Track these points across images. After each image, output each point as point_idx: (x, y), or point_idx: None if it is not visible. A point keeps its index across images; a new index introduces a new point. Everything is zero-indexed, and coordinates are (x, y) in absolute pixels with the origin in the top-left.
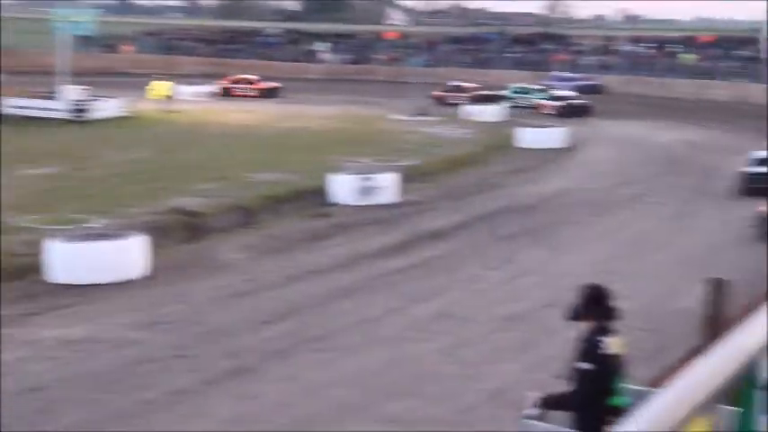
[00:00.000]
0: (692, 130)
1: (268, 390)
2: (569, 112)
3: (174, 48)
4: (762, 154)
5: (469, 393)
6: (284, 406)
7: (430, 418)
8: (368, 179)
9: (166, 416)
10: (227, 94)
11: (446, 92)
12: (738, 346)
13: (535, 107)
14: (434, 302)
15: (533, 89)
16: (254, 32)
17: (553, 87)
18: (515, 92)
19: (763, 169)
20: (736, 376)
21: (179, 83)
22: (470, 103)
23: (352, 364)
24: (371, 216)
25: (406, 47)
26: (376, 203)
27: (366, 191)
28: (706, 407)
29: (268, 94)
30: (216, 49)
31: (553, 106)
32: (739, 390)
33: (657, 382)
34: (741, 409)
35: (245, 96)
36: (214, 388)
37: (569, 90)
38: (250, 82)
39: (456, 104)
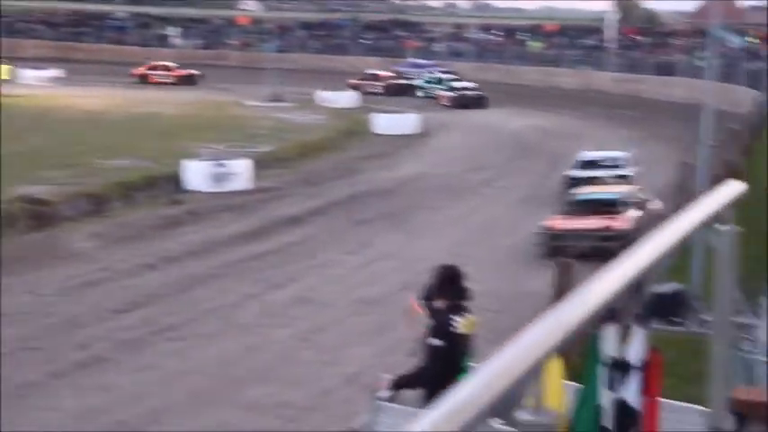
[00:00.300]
0: (541, 116)
1: (122, 381)
2: (463, 104)
3: (18, 31)
4: (589, 155)
5: (326, 378)
6: (139, 397)
7: (287, 403)
8: (222, 165)
9: (12, 411)
10: (144, 81)
11: (362, 80)
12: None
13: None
14: (291, 288)
15: (446, 79)
16: (102, 15)
17: (409, 74)
18: (428, 81)
19: (585, 173)
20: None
21: (21, 67)
22: (384, 92)
23: (208, 352)
24: (226, 203)
25: (258, 32)
26: (230, 190)
27: (220, 177)
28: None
29: (186, 80)
30: (61, 32)
31: (449, 97)
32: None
33: None
34: (583, 385)
35: (164, 83)
36: (64, 380)
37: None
38: (168, 68)
39: (372, 93)
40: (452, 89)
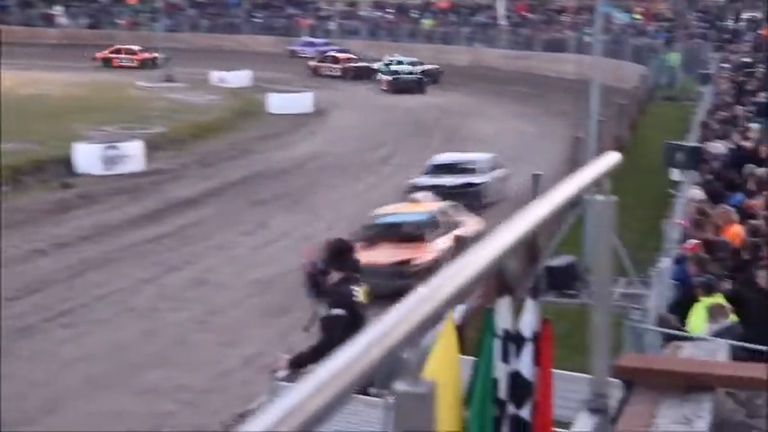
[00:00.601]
0: (436, 93)
1: (16, 369)
2: (400, 89)
3: None
4: (443, 158)
5: (224, 360)
6: (35, 385)
7: (185, 386)
8: (114, 148)
9: None
10: (107, 64)
11: (321, 62)
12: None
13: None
14: (188, 271)
15: (408, 62)
16: None
17: (304, 53)
18: (387, 65)
19: (431, 181)
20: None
21: None
22: (342, 76)
23: (104, 337)
24: (119, 185)
25: (147, 11)
26: (123, 172)
27: (112, 160)
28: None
29: (150, 64)
30: None
31: (387, 81)
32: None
33: None
34: (478, 359)
35: (128, 68)
36: None
37: (315, 55)
38: (133, 52)
39: (329, 76)
40: (393, 73)
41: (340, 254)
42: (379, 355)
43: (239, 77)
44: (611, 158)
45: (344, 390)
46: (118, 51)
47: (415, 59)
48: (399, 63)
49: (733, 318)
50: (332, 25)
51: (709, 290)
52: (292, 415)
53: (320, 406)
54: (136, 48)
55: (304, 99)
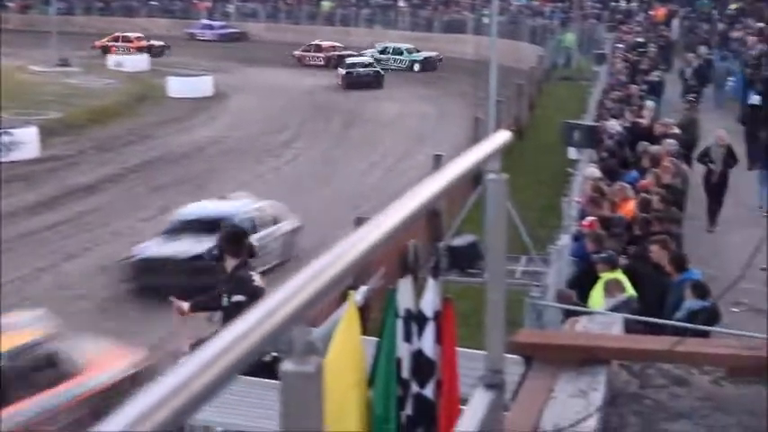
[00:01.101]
0: (334, 75)
1: None
2: (353, 83)
3: None
4: (192, 212)
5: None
6: None
7: None
8: (7, 134)
9: None
10: (106, 52)
11: (305, 51)
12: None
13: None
14: (88, 258)
15: (406, 49)
16: None
17: (203, 36)
18: (383, 52)
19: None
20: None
21: None
22: (325, 65)
23: None
24: (13, 173)
25: None
26: (17, 159)
27: (6, 147)
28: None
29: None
30: None
31: (341, 76)
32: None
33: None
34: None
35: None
36: None
37: (214, 39)
38: (129, 40)
39: (316, 66)
40: (348, 66)
41: (235, 240)
42: (263, 334)
43: (137, 61)
44: (502, 137)
45: (228, 370)
46: (116, 39)
47: (410, 46)
48: (396, 51)
49: (631, 292)
50: (230, 7)
51: (611, 265)
52: (175, 395)
53: (203, 386)
54: (133, 35)
55: (204, 83)
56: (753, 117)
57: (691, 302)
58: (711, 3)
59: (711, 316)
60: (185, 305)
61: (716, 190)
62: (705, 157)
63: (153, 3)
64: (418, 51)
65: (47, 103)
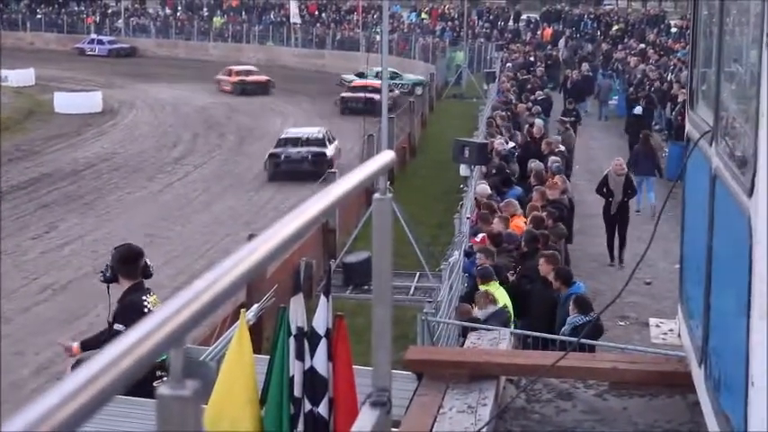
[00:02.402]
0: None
1: None
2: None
3: None
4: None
5: (16, 370)
6: None
7: None
8: None
9: None
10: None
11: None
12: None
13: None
14: None
15: (402, 75)
16: None
17: (93, 52)
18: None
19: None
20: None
21: None
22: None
23: None
24: None
25: None
26: None
27: None
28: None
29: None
30: None
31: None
32: (274, 338)
33: (207, 340)
34: (273, 358)
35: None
36: None
37: (104, 54)
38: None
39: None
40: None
41: (129, 261)
42: (136, 357)
43: (22, 76)
44: (386, 156)
45: (98, 396)
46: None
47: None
48: (398, 76)
49: (503, 303)
50: (119, 23)
51: (487, 278)
52: (52, 415)
53: (76, 410)
54: None
55: (92, 98)
56: (635, 126)
57: (574, 317)
58: (595, 23)
59: (594, 330)
60: (75, 344)
61: (617, 221)
62: (603, 187)
63: (39, 16)
64: (398, 76)
65: None
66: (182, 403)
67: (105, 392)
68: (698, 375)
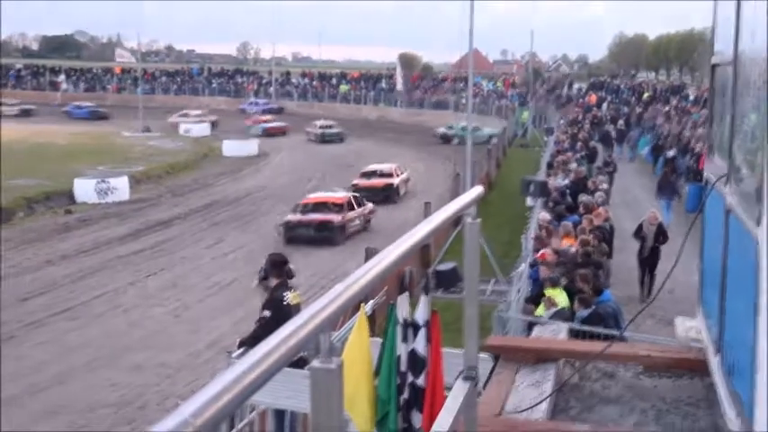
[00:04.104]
0: (352, 141)
1: (30, 352)
2: (324, 139)
3: None
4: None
5: (193, 344)
6: (44, 364)
7: (163, 364)
8: (105, 182)
9: None
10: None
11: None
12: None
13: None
14: (163, 276)
15: (482, 128)
16: (3, 67)
17: (251, 110)
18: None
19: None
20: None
21: None
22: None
23: (98, 328)
24: (109, 211)
25: (130, 79)
26: (112, 201)
27: (104, 191)
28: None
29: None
30: None
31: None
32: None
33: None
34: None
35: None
36: None
37: (259, 113)
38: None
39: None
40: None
41: (278, 264)
42: (300, 336)
43: (200, 128)
44: (477, 190)
45: (274, 364)
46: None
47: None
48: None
49: (563, 305)
50: (271, 90)
51: (553, 284)
52: (235, 384)
53: (255, 378)
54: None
55: (251, 145)
56: (667, 165)
57: (580, 312)
58: (630, 91)
59: (596, 318)
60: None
61: (648, 263)
62: (639, 233)
63: (214, 85)
64: (479, 129)
65: (135, 159)
66: (330, 374)
67: (277, 365)
68: (714, 362)
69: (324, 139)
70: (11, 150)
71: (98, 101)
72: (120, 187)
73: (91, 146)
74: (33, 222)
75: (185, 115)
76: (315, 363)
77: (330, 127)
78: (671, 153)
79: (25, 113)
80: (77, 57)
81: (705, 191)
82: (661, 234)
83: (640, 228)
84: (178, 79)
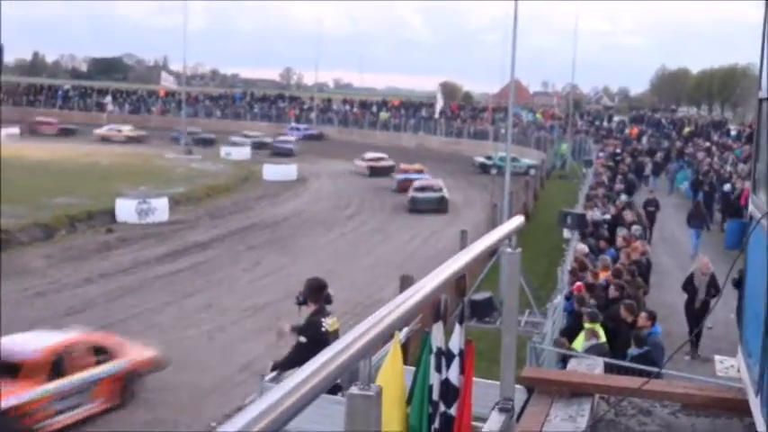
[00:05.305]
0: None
1: None
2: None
3: None
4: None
5: (226, 366)
6: None
7: (196, 385)
8: (146, 203)
9: None
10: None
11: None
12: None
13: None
14: (200, 297)
15: (520, 159)
16: (52, 87)
17: (292, 135)
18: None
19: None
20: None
21: None
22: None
23: None
24: (149, 231)
25: (174, 102)
26: (152, 222)
27: (144, 212)
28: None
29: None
30: (20, 99)
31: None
32: (418, 355)
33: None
34: (418, 369)
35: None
36: None
37: (300, 138)
38: (120, 131)
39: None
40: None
41: (316, 290)
42: (338, 364)
43: (241, 152)
44: (517, 221)
45: (311, 391)
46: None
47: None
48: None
49: (602, 340)
50: (312, 116)
51: (593, 318)
52: (273, 410)
53: (293, 403)
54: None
55: (290, 169)
56: (703, 201)
57: (633, 350)
58: (671, 125)
59: (648, 359)
60: (287, 326)
61: (698, 316)
62: (689, 285)
63: (256, 110)
64: (517, 160)
65: (176, 181)
66: (367, 401)
67: (318, 388)
68: (755, 403)
69: (372, 174)
70: (53, 169)
71: (142, 123)
72: (161, 208)
73: (133, 167)
74: (75, 240)
75: (233, 144)
76: (353, 389)
77: (380, 159)
78: (727, 187)
79: (65, 132)
80: (124, 79)
81: (748, 227)
82: (713, 286)
83: (691, 279)
84: (221, 103)
